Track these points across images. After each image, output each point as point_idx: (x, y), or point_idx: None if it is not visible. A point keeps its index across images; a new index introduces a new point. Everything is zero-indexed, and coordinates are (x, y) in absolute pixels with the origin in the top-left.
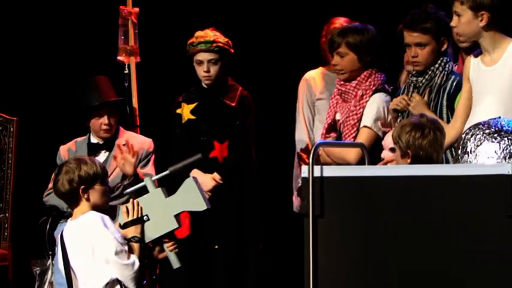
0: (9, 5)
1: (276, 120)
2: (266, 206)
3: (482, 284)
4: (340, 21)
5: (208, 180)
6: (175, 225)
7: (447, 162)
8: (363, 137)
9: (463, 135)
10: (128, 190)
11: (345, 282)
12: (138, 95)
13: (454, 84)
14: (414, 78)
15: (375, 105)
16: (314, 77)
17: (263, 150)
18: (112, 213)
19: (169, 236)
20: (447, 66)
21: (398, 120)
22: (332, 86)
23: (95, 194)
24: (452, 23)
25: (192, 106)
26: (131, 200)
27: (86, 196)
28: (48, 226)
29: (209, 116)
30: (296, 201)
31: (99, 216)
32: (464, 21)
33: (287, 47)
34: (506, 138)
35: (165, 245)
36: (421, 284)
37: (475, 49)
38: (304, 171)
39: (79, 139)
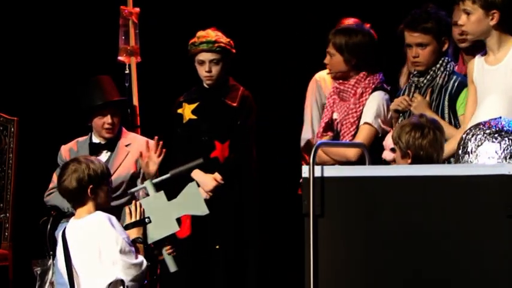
0: (9, 5)
1: (276, 120)
2: (266, 206)
3: (482, 284)
4: (349, 22)
5: (210, 180)
6: (177, 228)
7: (449, 162)
8: (364, 133)
9: (463, 135)
10: (131, 190)
11: (345, 282)
12: (139, 95)
13: (456, 84)
14: (415, 79)
15: (375, 103)
16: (324, 77)
17: (264, 150)
18: (118, 214)
19: (170, 238)
20: (448, 66)
21: (400, 120)
22: None
23: (101, 194)
24: (460, 22)
25: (193, 106)
26: (133, 202)
27: (93, 196)
28: (49, 226)
29: (210, 116)
30: None
31: (107, 216)
32: (475, 20)
33: (288, 47)
34: (506, 138)
35: (163, 249)
36: (421, 283)
37: (475, 49)
38: (305, 171)
39: (80, 139)
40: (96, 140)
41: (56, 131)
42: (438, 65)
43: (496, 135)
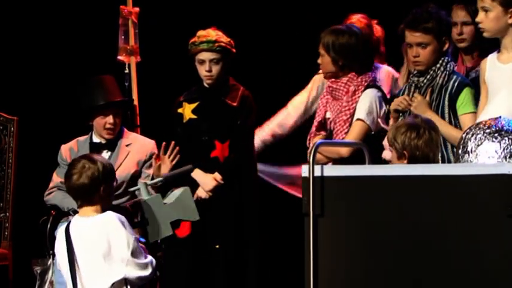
0: (9, 5)
1: None
2: (266, 206)
3: (482, 284)
4: (357, 17)
5: (209, 180)
6: (170, 232)
7: (449, 162)
8: (356, 129)
9: (463, 135)
10: (131, 189)
11: (345, 282)
12: (139, 94)
13: (456, 84)
14: (415, 78)
15: (367, 100)
16: None
17: (263, 150)
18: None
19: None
20: (448, 66)
21: (399, 120)
22: None
23: (108, 192)
24: (478, 19)
25: (193, 106)
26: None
27: (103, 194)
28: (48, 226)
29: (210, 115)
30: None
31: (116, 216)
32: (493, 17)
33: (288, 47)
34: (506, 138)
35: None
36: (421, 283)
37: (475, 49)
38: (305, 170)
39: (81, 138)
40: (96, 139)
41: (56, 130)
42: (438, 65)
43: (496, 134)
